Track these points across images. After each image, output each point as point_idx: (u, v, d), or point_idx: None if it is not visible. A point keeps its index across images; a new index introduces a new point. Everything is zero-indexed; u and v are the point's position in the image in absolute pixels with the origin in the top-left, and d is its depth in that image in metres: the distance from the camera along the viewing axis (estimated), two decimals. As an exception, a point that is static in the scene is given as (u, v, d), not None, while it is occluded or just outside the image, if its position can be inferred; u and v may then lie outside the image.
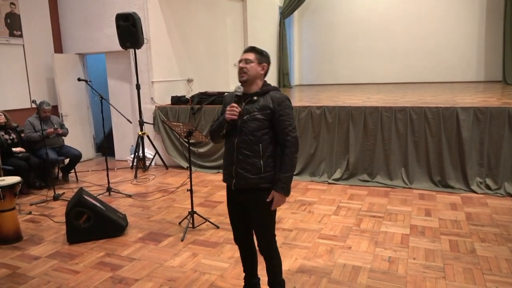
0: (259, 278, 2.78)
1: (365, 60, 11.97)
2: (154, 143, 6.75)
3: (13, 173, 4.88)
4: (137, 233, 4.09)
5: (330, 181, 5.59)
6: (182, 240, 3.85)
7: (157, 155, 6.78)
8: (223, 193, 5.24)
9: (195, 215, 4.16)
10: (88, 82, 5.70)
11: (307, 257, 3.41)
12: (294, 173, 2.48)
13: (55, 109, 6.89)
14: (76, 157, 6.05)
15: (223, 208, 4.71)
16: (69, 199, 4.38)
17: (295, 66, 12.80)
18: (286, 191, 2.38)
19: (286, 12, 11.45)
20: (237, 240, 2.67)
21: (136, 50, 6.34)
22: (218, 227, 4.12)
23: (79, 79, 5.46)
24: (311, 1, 12.17)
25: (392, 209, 4.53)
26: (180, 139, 6.52)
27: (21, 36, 6.63)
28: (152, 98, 6.89)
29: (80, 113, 7.48)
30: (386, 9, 11.55)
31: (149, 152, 6.82)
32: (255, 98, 2.40)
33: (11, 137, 5.57)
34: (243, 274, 2.79)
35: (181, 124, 4.12)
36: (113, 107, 5.99)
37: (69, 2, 7.26)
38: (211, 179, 6.05)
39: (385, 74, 11.75)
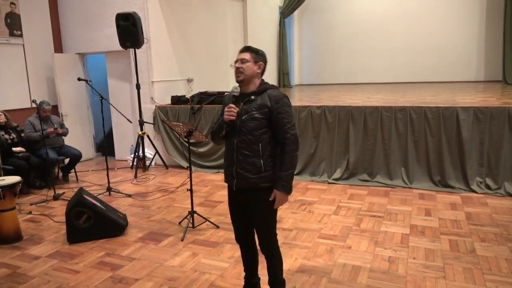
0: (260, 277, 2.79)
1: (365, 60, 11.96)
2: (154, 142, 6.75)
3: (13, 172, 4.88)
4: (137, 232, 4.09)
5: (330, 180, 5.60)
6: (182, 240, 3.85)
7: (157, 154, 6.78)
8: (223, 193, 5.25)
9: (195, 214, 4.16)
10: (88, 82, 5.70)
11: (307, 257, 3.41)
12: (294, 173, 2.47)
13: (55, 109, 6.89)
14: (76, 157, 6.06)
15: (223, 207, 4.71)
16: (69, 199, 4.38)
17: (295, 65, 12.80)
18: (287, 190, 2.37)
19: (286, 12, 11.45)
20: (238, 239, 2.67)
21: (136, 49, 6.34)
22: (218, 227, 4.12)
23: (79, 79, 5.46)
24: (311, 1, 12.17)
25: (392, 208, 4.53)
26: (180, 138, 6.52)
27: (21, 35, 6.63)
28: (152, 97, 6.89)
29: (80, 112, 7.48)
30: (386, 9, 11.55)
31: (149, 152, 6.82)
32: (252, 97, 2.39)
33: (11, 137, 5.58)
34: (243, 274, 2.79)
35: (181, 124, 4.12)
36: (113, 106, 5.99)
37: (69, 2, 7.26)
38: (211, 178, 6.05)
39: (385, 74, 11.75)
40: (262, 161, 2.37)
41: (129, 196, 5.31)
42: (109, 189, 5.40)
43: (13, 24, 6.50)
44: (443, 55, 11.06)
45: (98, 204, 4.00)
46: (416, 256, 3.37)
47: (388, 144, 5.39)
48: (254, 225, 2.54)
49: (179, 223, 4.29)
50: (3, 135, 5.46)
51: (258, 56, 2.44)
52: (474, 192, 4.94)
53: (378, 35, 11.69)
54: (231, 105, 2.38)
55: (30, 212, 4.77)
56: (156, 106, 6.86)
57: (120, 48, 6.34)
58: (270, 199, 2.38)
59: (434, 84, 10.40)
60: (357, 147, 5.55)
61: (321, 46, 12.54)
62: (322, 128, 5.72)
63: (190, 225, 4.11)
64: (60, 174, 6.31)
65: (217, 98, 6.49)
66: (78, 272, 3.29)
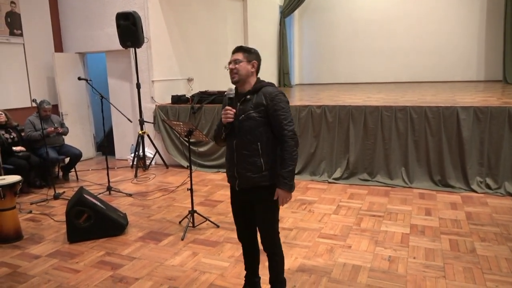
0: (260, 277, 2.79)
1: (365, 60, 11.96)
2: (154, 142, 6.75)
3: (13, 172, 4.88)
4: (137, 232, 4.09)
5: (330, 180, 5.60)
6: (182, 239, 3.85)
7: (157, 154, 6.78)
8: (223, 192, 5.26)
9: (195, 214, 4.16)
10: (89, 81, 5.70)
11: (307, 256, 3.41)
12: (295, 172, 2.47)
13: (55, 108, 6.89)
14: (76, 156, 6.06)
15: (223, 207, 4.71)
16: (69, 198, 4.38)
17: (295, 65, 12.80)
18: (289, 187, 2.36)
19: (286, 11, 11.44)
20: (241, 237, 2.67)
21: (137, 49, 6.34)
22: (218, 226, 4.12)
23: (79, 78, 5.46)
24: (311, 0, 12.17)
25: (392, 208, 4.53)
26: (180, 138, 6.52)
27: (21, 35, 6.62)
28: (152, 97, 6.89)
29: (80, 112, 7.48)
30: (386, 9, 11.55)
31: (149, 151, 6.82)
32: (248, 96, 2.39)
33: (12, 136, 5.58)
34: (243, 273, 2.79)
35: (181, 123, 4.12)
36: (113, 106, 5.99)
37: (70, 1, 7.26)
38: (211, 178, 6.05)
39: (385, 74, 11.75)
40: (262, 160, 2.36)
41: (129, 195, 5.31)
42: (109, 188, 5.40)
43: (13, 23, 6.50)
44: (444, 55, 11.06)
45: (98, 203, 4.00)
46: (416, 255, 3.37)
47: (388, 144, 5.39)
48: (257, 223, 2.55)
49: (179, 222, 4.29)
50: (3, 134, 5.46)
51: (251, 55, 2.41)
52: (474, 191, 4.94)
53: (379, 34, 11.69)
54: (227, 107, 2.38)
55: (30, 212, 4.77)
56: (156, 105, 6.86)
57: (120, 47, 6.34)
58: (274, 198, 2.38)
59: (434, 84, 10.41)
60: (357, 147, 5.55)
61: (321, 46, 12.54)
62: (322, 128, 5.72)
63: (190, 224, 4.11)
64: (60, 174, 6.31)
65: (217, 97, 6.49)
66: (78, 272, 3.29)
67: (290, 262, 3.30)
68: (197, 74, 7.83)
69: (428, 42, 11.16)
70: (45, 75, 7.05)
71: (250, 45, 2.75)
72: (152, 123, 6.91)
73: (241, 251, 2.77)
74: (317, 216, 4.36)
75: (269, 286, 2.65)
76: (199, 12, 7.88)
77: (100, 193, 5.21)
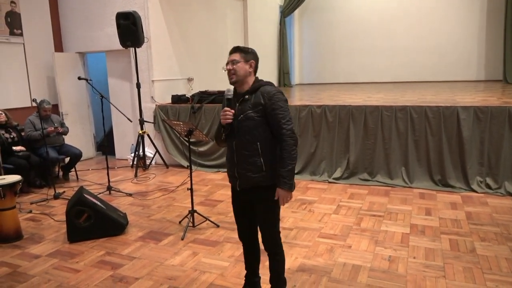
0: (260, 276, 2.79)
1: (365, 59, 11.97)
2: (154, 142, 6.75)
3: (13, 171, 4.88)
4: (137, 231, 4.09)
5: (330, 180, 5.59)
6: (182, 239, 3.85)
7: (157, 154, 6.78)
8: (223, 192, 5.26)
9: (195, 214, 4.16)
10: (89, 81, 5.70)
11: (307, 256, 3.41)
12: (295, 172, 2.46)
13: (55, 108, 6.89)
14: (76, 156, 6.06)
15: (223, 207, 4.71)
16: (69, 198, 4.38)
17: (295, 65, 12.80)
18: (289, 186, 2.35)
19: (286, 11, 11.44)
20: (241, 237, 2.68)
21: (137, 49, 6.34)
22: (218, 226, 4.12)
23: (79, 78, 5.46)
24: (311, 0, 12.17)
25: (392, 208, 4.53)
26: (181, 138, 6.52)
27: (21, 34, 6.62)
28: (152, 97, 6.89)
29: (80, 111, 7.48)
30: (386, 9, 11.55)
31: (149, 151, 6.82)
32: (246, 96, 2.38)
33: (12, 136, 5.58)
34: (243, 273, 2.79)
35: (181, 123, 4.12)
36: (113, 106, 5.99)
37: (70, 1, 7.26)
38: (212, 178, 6.05)
39: (385, 73, 11.75)
40: (262, 160, 2.36)
41: (129, 195, 5.31)
42: (109, 188, 5.40)
43: (14, 23, 6.49)
44: (444, 54, 11.06)
45: (98, 203, 4.00)
46: (416, 255, 3.37)
47: (388, 144, 5.39)
48: (258, 223, 2.55)
49: (179, 222, 4.29)
50: (3, 134, 5.46)
51: (248, 54, 2.41)
52: (474, 191, 4.94)
53: (379, 34, 11.69)
54: (226, 108, 2.39)
55: (30, 211, 4.77)
56: (156, 105, 6.86)
57: (120, 47, 6.34)
58: (275, 198, 2.38)
59: (434, 84, 10.40)
60: (357, 147, 5.55)
61: (321, 46, 12.54)
62: (322, 128, 5.71)
63: (190, 224, 4.11)
64: (61, 173, 6.31)
65: (218, 97, 6.49)
66: (79, 271, 3.29)
67: (290, 261, 3.30)
68: (197, 74, 7.83)
69: (428, 42, 11.16)
70: (45, 75, 7.05)
71: (250, 45, 2.76)
72: (152, 122, 6.91)
73: (241, 250, 2.77)
74: (317, 216, 4.36)
75: (269, 286, 2.65)
76: (199, 12, 7.88)
77: (100, 193, 5.21)
